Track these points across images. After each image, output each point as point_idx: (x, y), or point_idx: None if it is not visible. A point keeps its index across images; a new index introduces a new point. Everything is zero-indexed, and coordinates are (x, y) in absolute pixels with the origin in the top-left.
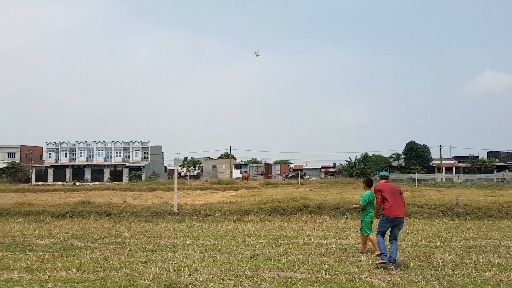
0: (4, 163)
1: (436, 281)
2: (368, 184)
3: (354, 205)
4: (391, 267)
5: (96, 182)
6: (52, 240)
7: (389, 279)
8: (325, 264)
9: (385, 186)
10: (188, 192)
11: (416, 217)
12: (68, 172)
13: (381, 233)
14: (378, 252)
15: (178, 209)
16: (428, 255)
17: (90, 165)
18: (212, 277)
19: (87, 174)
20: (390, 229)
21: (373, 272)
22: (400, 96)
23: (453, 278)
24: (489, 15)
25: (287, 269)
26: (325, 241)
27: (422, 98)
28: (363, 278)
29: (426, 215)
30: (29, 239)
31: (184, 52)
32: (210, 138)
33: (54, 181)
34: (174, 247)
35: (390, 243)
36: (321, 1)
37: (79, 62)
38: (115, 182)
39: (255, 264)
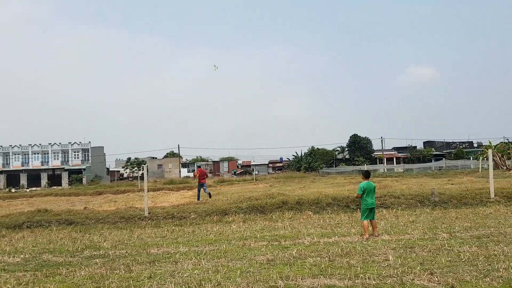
0: None
1: (487, 278)
2: (366, 175)
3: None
4: None
5: (34, 188)
6: (22, 256)
7: (438, 280)
8: (355, 267)
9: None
10: (140, 194)
11: (397, 208)
12: (2, 178)
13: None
14: (366, 236)
15: (149, 213)
16: (449, 248)
17: (26, 170)
18: None
19: (23, 180)
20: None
21: (417, 274)
22: (340, 90)
23: (500, 273)
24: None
25: (321, 276)
26: (331, 240)
27: (359, 91)
28: (410, 281)
29: (404, 206)
30: None
31: (120, 50)
32: (153, 138)
33: None
34: (171, 256)
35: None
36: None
37: (6, 61)
38: (54, 187)
39: (280, 272)
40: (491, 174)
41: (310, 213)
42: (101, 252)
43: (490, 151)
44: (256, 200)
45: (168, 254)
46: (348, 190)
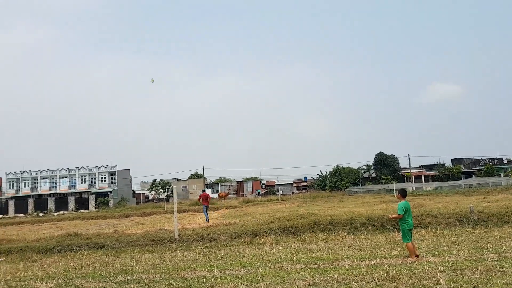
0: None
1: None
2: (403, 194)
3: (391, 216)
4: None
5: (61, 212)
6: (55, 282)
7: None
8: None
9: None
10: (167, 216)
11: (436, 228)
12: (31, 202)
13: None
14: (412, 259)
15: (179, 235)
16: (502, 270)
17: (53, 194)
18: None
19: (51, 204)
20: None
21: None
22: (364, 108)
23: None
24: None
25: None
26: (372, 262)
27: (383, 109)
28: None
29: (443, 225)
30: (26, 283)
31: (144, 74)
32: (177, 159)
33: (15, 213)
34: (206, 281)
35: None
36: (279, 21)
37: (34, 85)
38: (81, 211)
39: None
40: None
41: (345, 233)
42: (134, 276)
43: None
44: (287, 220)
45: (203, 278)
46: (381, 210)
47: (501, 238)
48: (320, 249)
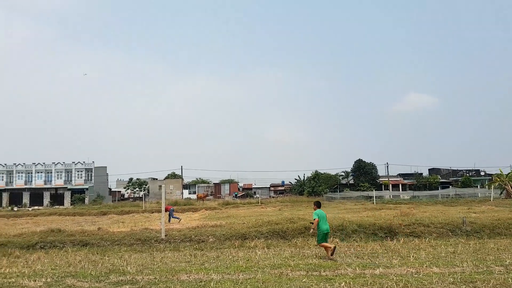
0: None
1: None
2: (318, 205)
3: (312, 228)
4: None
5: (36, 207)
6: (44, 280)
7: None
8: None
9: None
10: (146, 215)
11: (429, 237)
12: (5, 196)
13: None
14: (331, 247)
15: (166, 235)
16: None
17: (28, 189)
18: None
19: (26, 199)
20: None
21: None
22: (344, 115)
23: None
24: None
25: None
26: (376, 271)
27: (363, 116)
28: None
29: (436, 235)
30: (13, 280)
31: (124, 73)
32: (154, 159)
33: None
34: (205, 285)
35: None
36: (257, 26)
37: (13, 81)
38: (56, 207)
39: None
40: None
41: (337, 240)
42: (128, 277)
43: None
44: (276, 224)
45: (201, 281)
46: (368, 217)
47: (500, 250)
48: (316, 256)
